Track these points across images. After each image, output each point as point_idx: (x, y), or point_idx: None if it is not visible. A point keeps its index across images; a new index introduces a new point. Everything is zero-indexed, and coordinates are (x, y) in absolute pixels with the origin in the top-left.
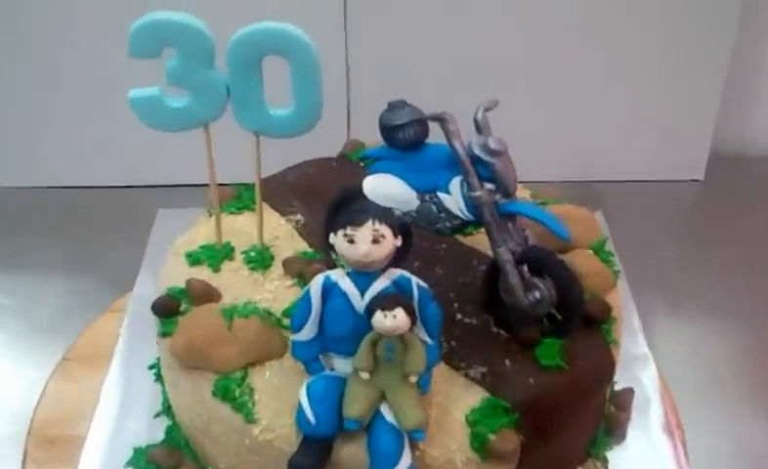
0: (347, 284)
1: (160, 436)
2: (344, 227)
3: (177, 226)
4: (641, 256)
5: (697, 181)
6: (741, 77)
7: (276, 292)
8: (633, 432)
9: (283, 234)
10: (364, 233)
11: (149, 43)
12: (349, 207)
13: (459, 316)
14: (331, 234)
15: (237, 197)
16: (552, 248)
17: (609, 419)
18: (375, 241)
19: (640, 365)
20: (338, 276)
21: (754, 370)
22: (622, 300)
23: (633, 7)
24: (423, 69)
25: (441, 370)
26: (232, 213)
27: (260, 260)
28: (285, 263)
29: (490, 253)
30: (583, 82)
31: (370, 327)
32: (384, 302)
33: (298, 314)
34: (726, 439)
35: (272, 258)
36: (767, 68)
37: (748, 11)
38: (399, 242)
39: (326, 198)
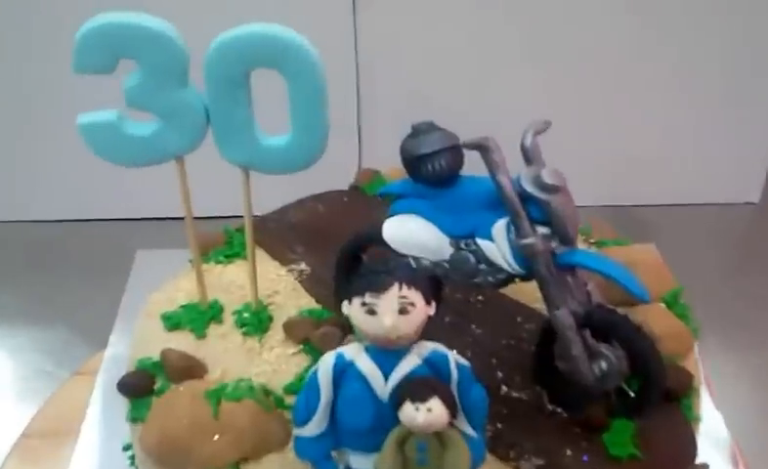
0: (366, 364)
1: None
2: (362, 293)
3: (159, 270)
4: (694, 285)
5: (751, 204)
6: None
7: (275, 363)
8: None
9: (284, 289)
10: (389, 301)
11: (101, 54)
12: (367, 267)
13: (505, 388)
14: (344, 303)
15: (228, 243)
16: (614, 301)
17: None
18: (403, 312)
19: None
20: (354, 352)
21: None
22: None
23: (687, 27)
24: (448, 79)
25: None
26: (220, 262)
27: (255, 322)
28: (287, 326)
29: (537, 306)
30: (632, 101)
31: (397, 419)
32: (415, 390)
33: (302, 404)
34: None
35: (270, 319)
36: None
37: None
38: (432, 310)
39: (337, 242)
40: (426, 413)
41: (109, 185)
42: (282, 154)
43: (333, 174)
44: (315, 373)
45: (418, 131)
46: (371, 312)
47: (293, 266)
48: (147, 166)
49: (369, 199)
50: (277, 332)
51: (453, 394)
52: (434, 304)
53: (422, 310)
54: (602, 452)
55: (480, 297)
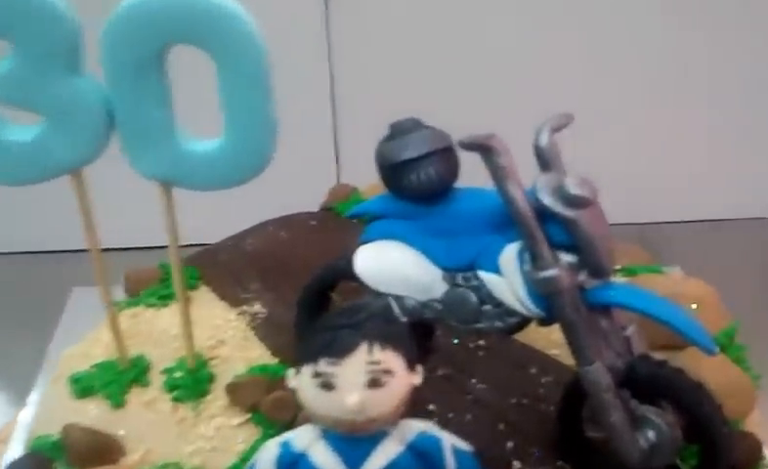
0: (323, 457)
1: None
2: (314, 359)
3: (97, 310)
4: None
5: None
6: None
7: (215, 439)
8: None
9: (232, 338)
10: (353, 369)
11: None
12: (324, 320)
13: (518, 465)
14: (290, 372)
15: (164, 280)
16: (653, 344)
17: None
18: (374, 384)
19: None
20: (307, 440)
21: None
22: None
23: (706, 40)
24: (438, 79)
25: None
26: (152, 305)
27: (190, 384)
28: (232, 388)
29: (556, 352)
30: (648, 115)
31: None
32: None
33: None
34: None
35: (210, 380)
36: None
37: None
38: (418, 378)
39: (302, 277)
40: None
41: (39, 212)
42: (213, 164)
43: (304, 193)
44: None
45: (400, 130)
46: (328, 385)
47: (245, 307)
48: (31, 184)
49: (344, 223)
50: (218, 397)
51: None
52: (419, 369)
53: (403, 380)
54: None
55: (482, 342)
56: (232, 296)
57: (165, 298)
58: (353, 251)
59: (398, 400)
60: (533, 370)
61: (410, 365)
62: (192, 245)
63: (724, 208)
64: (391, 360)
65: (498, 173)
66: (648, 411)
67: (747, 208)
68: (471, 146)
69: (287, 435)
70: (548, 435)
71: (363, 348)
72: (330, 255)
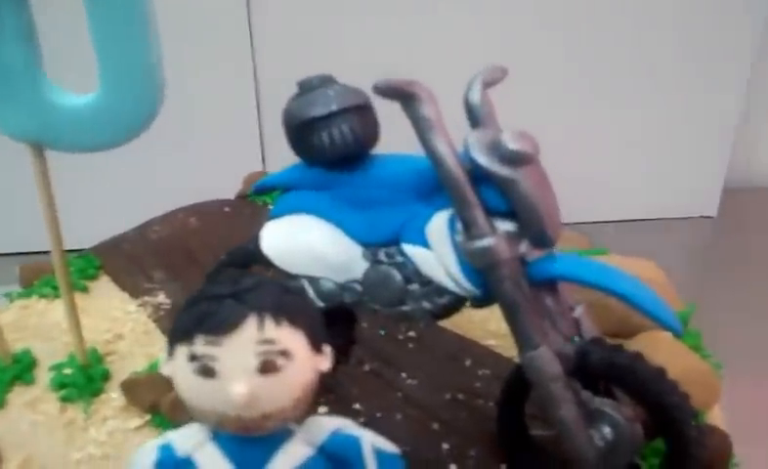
0: (211, 463)
1: None
2: (189, 337)
3: None
4: None
5: (709, 217)
6: (757, 109)
7: (108, 443)
8: None
9: (132, 331)
10: (239, 351)
11: None
12: (202, 292)
13: (454, 467)
14: (162, 357)
15: None
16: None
17: None
18: (267, 368)
19: None
20: (192, 443)
21: None
22: None
23: (645, 36)
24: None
25: None
26: (45, 296)
27: (81, 383)
28: (128, 386)
29: (490, 342)
30: (585, 113)
31: None
32: None
33: None
34: None
35: (105, 377)
36: None
37: (765, 43)
38: (326, 363)
39: (210, 265)
40: None
41: None
42: (86, 119)
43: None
44: None
45: (309, 86)
46: (207, 371)
47: (148, 298)
48: None
49: (260, 210)
50: (113, 396)
51: None
52: (328, 351)
53: (306, 363)
54: None
55: (411, 333)
56: (133, 286)
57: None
58: (254, 240)
59: (299, 389)
60: (468, 363)
61: (316, 345)
62: None
63: (657, 208)
64: (288, 337)
65: (422, 124)
66: (603, 404)
67: (681, 208)
68: (388, 91)
69: (169, 435)
70: (488, 434)
71: (252, 322)
72: (242, 241)
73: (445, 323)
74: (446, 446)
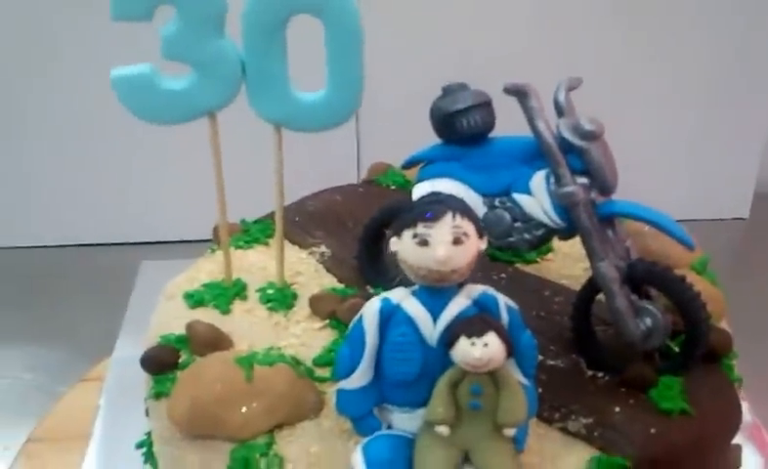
0: (413, 307)
1: None
2: (413, 224)
3: (165, 278)
4: None
5: (741, 219)
6: None
7: (303, 337)
8: None
9: (306, 269)
10: (442, 230)
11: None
12: (418, 201)
13: (541, 357)
14: (393, 240)
15: (245, 231)
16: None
17: None
18: (457, 242)
19: None
20: (400, 297)
21: None
22: None
23: (679, 40)
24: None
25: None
26: (240, 247)
27: (280, 298)
28: (313, 301)
29: (563, 282)
30: (615, 115)
31: (446, 367)
32: (471, 325)
33: (346, 354)
34: None
35: (294, 296)
36: None
37: None
38: (484, 244)
39: (356, 227)
40: (483, 348)
41: (110, 209)
42: (317, 110)
43: (332, 174)
44: (359, 320)
45: (450, 90)
46: (424, 242)
47: (314, 249)
48: (179, 123)
49: (385, 190)
50: (302, 308)
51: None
52: (485, 239)
53: (475, 243)
54: (652, 409)
55: (503, 275)
56: (301, 241)
57: (249, 242)
58: (406, 198)
59: (471, 257)
60: (547, 293)
61: (479, 234)
62: None
63: (690, 209)
64: (467, 225)
65: (531, 112)
66: (645, 303)
67: (713, 210)
68: (512, 90)
69: (385, 293)
70: (563, 337)
71: (449, 215)
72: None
73: (528, 269)
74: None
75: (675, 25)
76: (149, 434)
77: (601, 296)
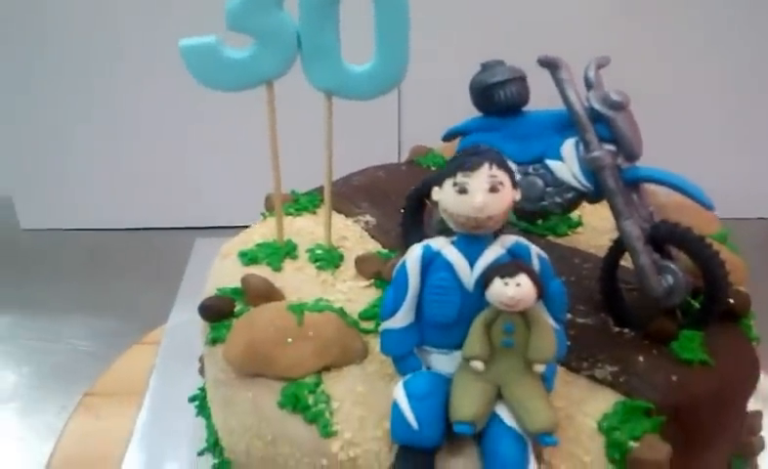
0: (452, 254)
1: None
2: (453, 174)
3: (215, 251)
4: None
5: (766, 219)
6: None
7: (349, 293)
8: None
9: (352, 235)
10: (480, 179)
11: None
12: (457, 154)
13: (570, 316)
14: (435, 189)
15: (295, 201)
16: None
17: (741, 445)
18: (493, 190)
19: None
20: (440, 244)
21: None
22: None
23: (706, 38)
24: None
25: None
26: (290, 214)
27: (328, 258)
28: (359, 261)
29: (591, 251)
30: (647, 111)
31: (481, 307)
32: (504, 267)
33: (390, 296)
34: None
35: (341, 257)
36: None
37: None
38: (518, 195)
39: (400, 199)
40: (515, 287)
41: (167, 194)
42: (366, 80)
43: (372, 154)
44: (403, 264)
45: (488, 66)
46: (463, 190)
47: (359, 217)
48: (240, 90)
49: (425, 170)
50: (348, 268)
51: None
52: (519, 190)
53: (509, 192)
54: (674, 359)
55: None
56: (347, 210)
57: (299, 210)
58: (443, 172)
59: (506, 205)
60: (577, 261)
61: (514, 185)
62: None
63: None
64: (503, 176)
65: (562, 84)
66: (667, 262)
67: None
68: (545, 61)
69: (426, 241)
70: (593, 299)
71: (486, 165)
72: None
73: (560, 241)
74: None
75: (704, 22)
76: (201, 389)
77: (626, 261)
